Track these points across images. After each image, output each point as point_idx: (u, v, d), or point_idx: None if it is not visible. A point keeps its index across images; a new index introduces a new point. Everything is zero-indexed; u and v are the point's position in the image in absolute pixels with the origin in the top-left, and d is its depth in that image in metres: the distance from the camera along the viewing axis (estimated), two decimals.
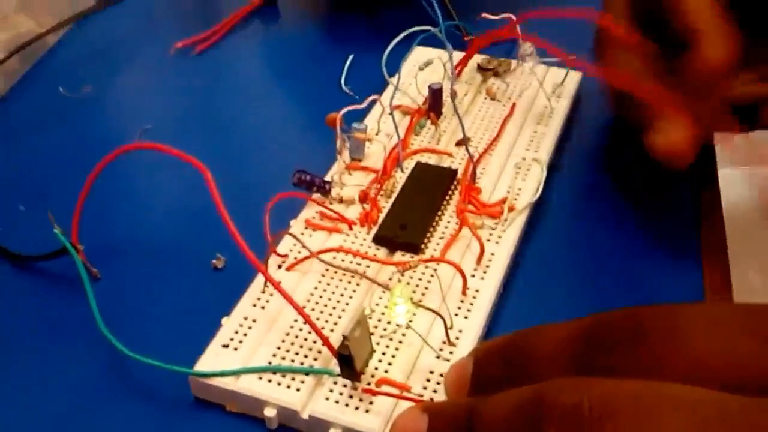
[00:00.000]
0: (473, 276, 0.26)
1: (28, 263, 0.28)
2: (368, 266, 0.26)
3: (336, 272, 0.26)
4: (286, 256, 0.26)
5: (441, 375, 0.23)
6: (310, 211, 0.28)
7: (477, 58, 0.34)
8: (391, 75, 0.29)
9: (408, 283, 0.25)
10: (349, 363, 0.22)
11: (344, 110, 0.29)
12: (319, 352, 0.23)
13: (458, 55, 0.33)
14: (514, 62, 0.33)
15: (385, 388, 0.22)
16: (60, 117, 0.35)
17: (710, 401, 0.15)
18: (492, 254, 0.26)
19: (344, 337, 0.22)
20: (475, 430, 0.17)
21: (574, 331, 0.18)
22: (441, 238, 0.27)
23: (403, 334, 0.24)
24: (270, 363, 0.23)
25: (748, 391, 0.15)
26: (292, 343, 0.24)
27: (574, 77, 0.33)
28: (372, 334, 0.23)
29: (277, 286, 0.23)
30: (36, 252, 0.28)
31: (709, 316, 0.17)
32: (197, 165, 0.24)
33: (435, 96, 0.31)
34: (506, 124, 0.31)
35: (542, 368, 0.17)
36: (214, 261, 0.28)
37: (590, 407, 0.15)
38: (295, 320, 0.24)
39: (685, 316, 0.17)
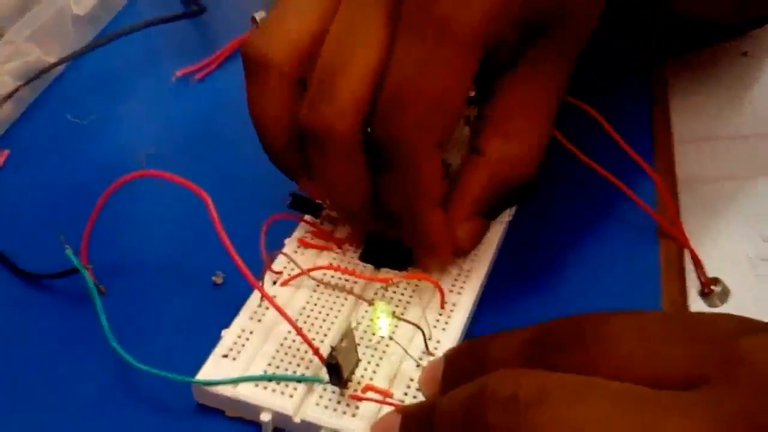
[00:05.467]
0: (451, 291, 0.28)
1: (40, 281, 0.30)
2: (356, 282, 0.28)
3: (326, 288, 0.28)
4: (280, 272, 0.29)
5: None
6: (302, 231, 0.30)
7: None
8: None
9: (392, 298, 0.28)
10: (336, 371, 0.24)
11: None
12: (311, 361, 0.25)
13: None
14: None
15: (369, 394, 0.24)
16: (68, 142, 0.37)
17: (631, 392, 0.17)
18: (468, 271, 0.28)
19: (332, 348, 0.24)
20: (435, 422, 0.19)
21: (526, 335, 0.20)
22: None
23: (387, 345, 0.26)
24: (265, 372, 0.25)
25: (667, 388, 0.18)
26: (286, 353, 0.26)
27: None
28: (358, 345, 0.25)
29: (272, 301, 0.25)
30: (47, 270, 0.30)
31: (636, 324, 0.19)
32: (198, 191, 0.26)
33: None
34: None
35: (498, 367, 0.20)
36: (214, 277, 0.30)
37: (525, 394, 0.17)
38: (289, 332, 0.26)
39: (616, 323, 0.19)
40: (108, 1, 0.45)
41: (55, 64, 0.39)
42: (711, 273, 0.31)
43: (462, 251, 0.28)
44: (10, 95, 0.37)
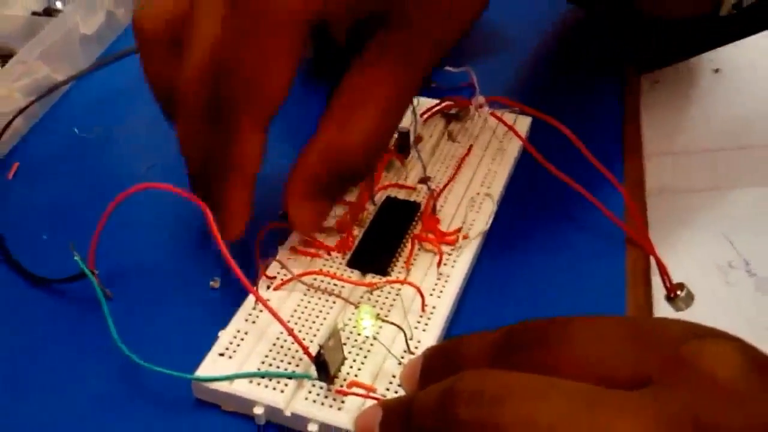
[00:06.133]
0: (431, 295, 0.30)
1: (50, 285, 0.32)
2: (343, 287, 0.30)
3: (315, 292, 0.30)
4: (274, 277, 0.31)
5: None
6: (295, 239, 0.32)
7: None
8: None
9: (376, 301, 0.30)
10: (324, 368, 0.26)
11: None
12: (301, 359, 0.27)
13: (424, 100, 0.38)
14: (472, 108, 0.37)
15: (354, 390, 0.26)
16: (75, 155, 0.39)
17: (585, 391, 0.19)
18: (448, 276, 0.31)
19: (320, 347, 0.26)
20: (411, 415, 0.21)
21: (495, 336, 0.22)
22: (405, 262, 0.31)
23: (371, 345, 0.28)
24: (259, 369, 0.27)
25: (619, 386, 0.20)
26: (278, 352, 0.28)
27: (525, 122, 0.37)
28: (344, 344, 0.28)
29: (266, 304, 0.27)
30: (56, 275, 0.32)
31: (593, 327, 0.21)
32: (198, 202, 0.28)
33: (402, 138, 0.35)
34: (464, 163, 0.35)
35: (469, 365, 0.22)
36: (212, 282, 0.32)
37: (490, 392, 0.19)
38: (281, 333, 0.28)
39: (575, 327, 0.21)
40: (113, 21, 0.47)
41: (63, 82, 0.41)
42: (684, 281, 0.32)
43: (297, 229, 0.30)
44: (21, 111, 0.39)
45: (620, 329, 0.21)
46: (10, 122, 0.38)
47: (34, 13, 0.47)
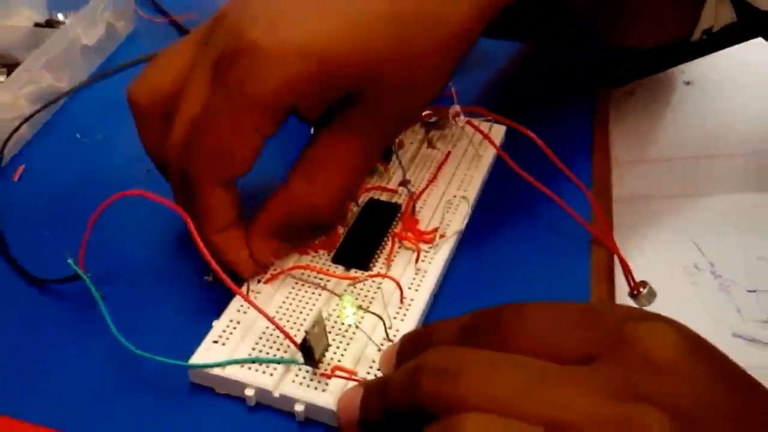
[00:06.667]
0: (409, 288, 0.32)
1: (49, 285, 0.34)
2: (328, 280, 0.33)
3: (303, 285, 0.32)
4: (264, 272, 0.33)
5: None
6: None
7: None
8: None
9: (359, 293, 0.32)
10: (309, 353, 0.28)
11: None
12: (288, 346, 0.30)
13: None
14: (449, 116, 0.40)
15: (338, 373, 0.29)
16: (77, 159, 0.42)
17: (537, 366, 0.22)
18: (425, 272, 0.33)
19: (306, 333, 0.28)
20: (387, 391, 0.24)
21: (460, 321, 0.25)
22: (386, 258, 0.34)
23: (354, 333, 0.30)
24: (250, 355, 0.30)
25: (568, 363, 0.22)
26: (267, 340, 0.30)
27: (500, 130, 0.40)
28: (329, 333, 0.30)
29: (251, 302, 0.29)
30: (56, 275, 0.34)
31: (545, 311, 0.23)
32: (179, 210, 0.30)
33: None
34: (442, 169, 0.38)
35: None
36: (206, 277, 0.34)
37: (450, 366, 0.22)
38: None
39: (530, 311, 0.23)
40: (113, 32, 0.49)
41: (70, 91, 0.43)
42: (652, 281, 0.35)
43: (259, 265, 0.32)
44: (27, 119, 0.41)
45: (570, 313, 0.23)
46: (16, 129, 0.40)
47: (37, 25, 0.49)
